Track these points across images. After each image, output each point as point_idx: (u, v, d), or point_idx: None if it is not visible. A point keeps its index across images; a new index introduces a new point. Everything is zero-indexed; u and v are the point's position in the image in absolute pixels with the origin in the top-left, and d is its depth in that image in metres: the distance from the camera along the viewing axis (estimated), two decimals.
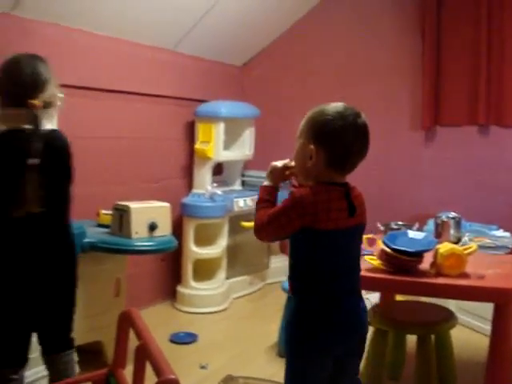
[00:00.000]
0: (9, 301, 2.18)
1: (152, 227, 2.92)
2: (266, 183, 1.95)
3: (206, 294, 4.08)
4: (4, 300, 2.18)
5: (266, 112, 4.70)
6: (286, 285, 3.34)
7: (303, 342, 1.77)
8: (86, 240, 2.76)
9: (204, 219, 4.08)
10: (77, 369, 2.77)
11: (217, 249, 4.15)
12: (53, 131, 2.20)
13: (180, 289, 4.13)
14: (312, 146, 1.79)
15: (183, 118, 4.35)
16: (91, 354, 3.01)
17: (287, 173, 1.96)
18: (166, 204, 3.08)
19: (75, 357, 2.48)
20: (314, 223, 1.75)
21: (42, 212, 2.14)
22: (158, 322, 3.69)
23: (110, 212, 3.04)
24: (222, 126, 4.21)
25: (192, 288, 4.10)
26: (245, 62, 5.14)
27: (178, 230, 3.90)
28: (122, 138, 3.77)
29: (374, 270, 2.46)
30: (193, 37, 4.16)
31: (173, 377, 1.26)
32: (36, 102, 2.09)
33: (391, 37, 4.52)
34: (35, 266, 2.18)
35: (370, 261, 2.50)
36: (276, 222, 1.79)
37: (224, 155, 4.33)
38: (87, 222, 2.96)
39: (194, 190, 4.27)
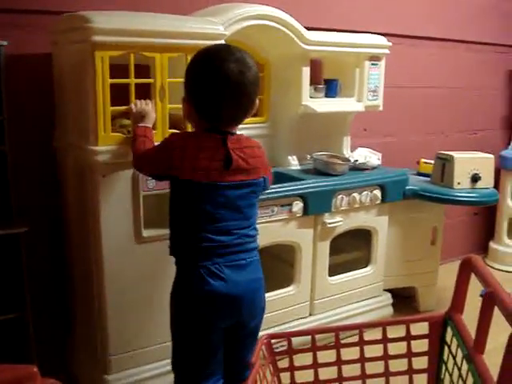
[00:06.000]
0: None
1: (475, 178, 2.84)
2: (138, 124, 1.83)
3: None
4: None
5: None
6: None
7: None
8: (409, 187, 2.83)
9: None
10: (391, 311, 2.93)
11: None
12: None
13: (492, 245, 3.96)
14: (183, 95, 1.59)
15: (504, 66, 4.07)
16: (403, 297, 3.12)
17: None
18: (490, 156, 2.95)
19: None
20: (178, 172, 1.55)
21: None
22: None
23: (430, 161, 3.05)
24: None
25: (505, 245, 3.89)
26: None
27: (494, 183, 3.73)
28: (440, 88, 3.70)
29: None
30: None
31: None
32: None
33: None
34: None
35: None
36: (149, 158, 1.68)
37: None
38: (407, 171, 3.01)
39: None
